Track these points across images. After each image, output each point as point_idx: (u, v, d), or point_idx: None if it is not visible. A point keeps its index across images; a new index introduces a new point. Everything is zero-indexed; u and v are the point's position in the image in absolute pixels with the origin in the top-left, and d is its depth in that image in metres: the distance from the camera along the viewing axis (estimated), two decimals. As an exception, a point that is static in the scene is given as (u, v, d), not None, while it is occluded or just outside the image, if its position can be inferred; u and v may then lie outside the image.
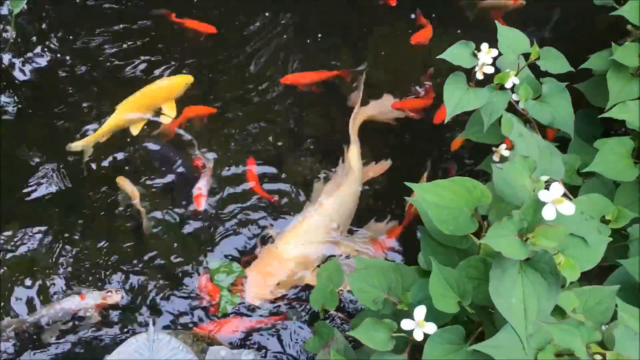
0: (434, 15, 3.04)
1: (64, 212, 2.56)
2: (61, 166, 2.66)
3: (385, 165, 2.67)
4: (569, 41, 2.73)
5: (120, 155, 2.71)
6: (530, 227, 1.27)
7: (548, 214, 1.24)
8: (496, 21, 2.03)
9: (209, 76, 2.90)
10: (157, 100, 2.80)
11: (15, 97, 2.85)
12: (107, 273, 2.41)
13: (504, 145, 2.01)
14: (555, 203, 1.23)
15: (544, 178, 1.30)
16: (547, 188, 1.27)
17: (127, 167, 2.68)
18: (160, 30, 3.03)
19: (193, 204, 2.52)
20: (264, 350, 2.23)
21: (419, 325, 1.38)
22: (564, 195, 1.25)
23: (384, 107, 2.81)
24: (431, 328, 1.38)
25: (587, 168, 1.81)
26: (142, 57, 2.96)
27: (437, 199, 1.43)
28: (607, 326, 1.39)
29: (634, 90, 2.00)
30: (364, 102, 2.79)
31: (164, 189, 2.63)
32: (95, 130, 2.72)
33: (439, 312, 1.43)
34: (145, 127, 2.77)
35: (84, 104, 2.84)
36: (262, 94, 2.88)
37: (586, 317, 1.38)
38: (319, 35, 3.04)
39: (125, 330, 2.28)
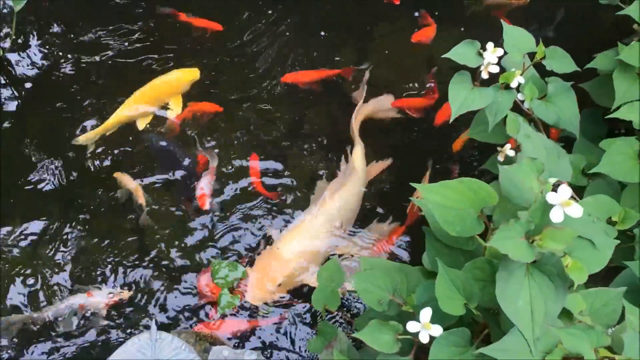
0: (437, 14, 3.03)
1: (64, 208, 2.56)
2: (62, 162, 2.66)
3: (385, 163, 2.66)
4: (572, 40, 2.72)
5: (122, 152, 2.70)
6: (537, 229, 1.26)
7: (556, 216, 1.23)
8: (502, 20, 2.01)
9: (211, 74, 2.89)
10: (164, 94, 2.79)
11: (16, 93, 2.85)
12: (108, 272, 2.39)
13: (508, 145, 1.99)
14: (564, 205, 1.22)
15: (552, 180, 1.29)
16: (554, 190, 1.26)
17: (128, 164, 2.67)
18: (162, 28, 3.02)
19: (197, 203, 2.50)
20: (268, 350, 2.22)
21: (424, 327, 1.37)
22: (572, 197, 1.24)
23: (382, 105, 2.79)
24: (437, 330, 1.37)
25: (594, 169, 1.80)
26: (144, 55, 2.96)
27: (443, 200, 1.42)
28: (613, 329, 1.38)
29: (640, 91, 1.99)
30: (364, 101, 2.78)
31: (166, 186, 2.62)
32: (96, 125, 2.72)
33: (445, 314, 1.42)
34: (148, 125, 2.76)
35: (84, 101, 2.83)
36: (264, 91, 2.87)
37: (593, 319, 1.37)
38: (322, 33, 3.03)
39: (128, 329, 2.27)
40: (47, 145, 2.71)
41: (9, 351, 2.21)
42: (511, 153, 1.98)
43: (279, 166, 2.67)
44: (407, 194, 2.56)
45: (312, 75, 2.88)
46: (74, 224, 2.51)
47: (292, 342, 2.25)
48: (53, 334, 2.26)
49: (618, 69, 2.02)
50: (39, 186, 2.61)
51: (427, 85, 2.85)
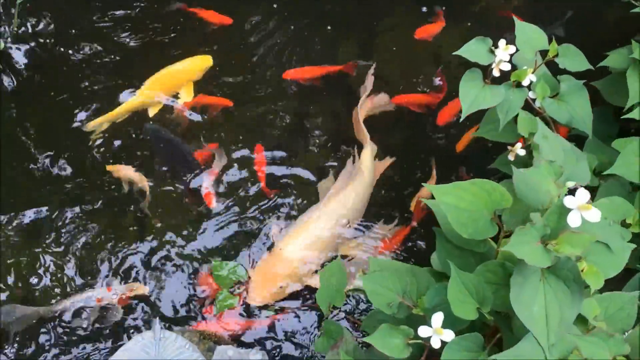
0: (443, 8, 2.99)
1: (63, 201, 2.52)
2: (63, 152, 2.63)
3: (387, 162, 2.62)
4: (577, 37, 2.69)
5: (124, 143, 2.67)
6: (553, 233, 1.23)
7: (573, 220, 1.20)
8: (514, 17, 1.98)
9: (215, 68, 2.85)
10: (177, 81, 2.76)
11: (17, 83, 2.81)
12: (111, 269, 2.36)
13: (519, 144, 1.97)
14: (581, 209, 1.19)
15: (570, 184, 1.26)
16: (570, 193, 1.23)
17: (131, 155, 2.64)
18: (169, 20, 2.98)
19: (204, 201, 2.47)
20: (274, 350, 2.20)
21: (436, 332, 1.34)
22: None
23: (378, 103, 2.75)
24: (449, 335, 1.34)
25: (609, 170, 1.76)
26: (149, 46, 2.92)
27: (456, 201, 1.39)
28: (627, 333, 1.36)
29: (654, 90, 1.95)
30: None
31: (169, 181, 2.58)
32: (102, 113, 2.69)
33: (456, 318, 1.39)
34: (156, 116, 2.73)
35: (85, 92, 2.80)
36: (268, 87, 2.83)
37: (607, 324, 1.34)
38: (328, 27, 2.99)
39: (131, 327, 2.24)
40: (48, 135, 2.69)
41: (8, 351, 2.19)
42: (522, 152, 1.96)
43: (281, 164, 2.63)
44: (410, 192, 2.55)
45: (314, 72, 2.84)
46: (72, 218, 2.48)
47: (298, 341, 2.22)
48: (60, 330, 2.23)
49: (632, 67, 1.99)
50: (39, 181, 2.58)
51: (436, 84, 2.80)
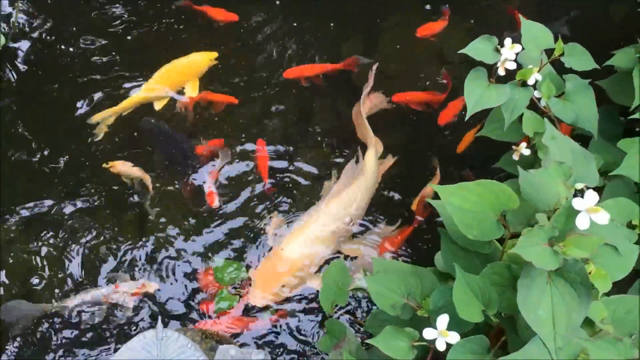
0: (447, 5, 2.97)
1: (64, 200, 2.51)
2: (64, 149, 2.63)
3: (389, 161, 2.61)
4: (584, 35, 2.67)
5: (125, 140, 2.66)
6: (561, 235, 1.22)
7: (582, 223, 1.18)
8: (520, 15, 1.96)
9: (217, 66, 2.83)
10: (182, 76, 2.76)
11: (17, 79, 2.80)
12: (113, 267, 2.35)
13: (524, 144, 1.95)
14: (590, 212, 1.18)
15: (580, 185, 1.24)
16: (577, 195, 1.22)
17: (130, 153, 2.62)
18: (171, 18, 2.97)
19: (206, 201, 2.46)
20: (277, 350, 2.19)
21: (441, 334, 1.33)
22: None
23: (374, 102, 2.73)
24: (454, 337, 1.33)
25: (615, 171, 1.75)
26: (151, 44, 2.91)
27: (461, 202, 1.38)
28: (634, 337, 1.34)
29: (661, 89, 1.94)
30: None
31: (169, 178, 2.57)
32: (105, 107, 2.69)
33: (461, 320, 1.38)
34: (158, 110, 2.72)
35: (86, 87, 2.79)
36: (270, 84, 2.82)
37: (615, 327, 1.33)
38: (332, 24, 2.97)
39: (133, 326, 2.23)
40: (49, 131, 2.69)
41: (9, 349, 2.18)
42: (526, 152, 1.94)
43: (283, 163, 2.61)
44: (411, 191, 2.53)
45: (314, 69, 2.82)
46: (73, 214, 2.47)
47: (300, 341, 2.21)
48: (63, 327, 2.21)
49: (638, 66, 1.97)
50: (40, 173, 2.57)
51: (441, 82, 2.79)
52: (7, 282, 2.31)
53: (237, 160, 2.60)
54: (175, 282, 2.33)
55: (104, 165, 2.53)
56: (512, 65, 1.84)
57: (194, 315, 2.26)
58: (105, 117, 2.67)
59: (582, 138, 2.01)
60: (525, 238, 1.20)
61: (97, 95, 2.76)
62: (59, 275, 2.33)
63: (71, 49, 2.89)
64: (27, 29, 2.94)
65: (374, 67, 2.75)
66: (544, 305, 1.23)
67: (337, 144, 2.67)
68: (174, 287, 2.32)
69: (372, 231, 2.45)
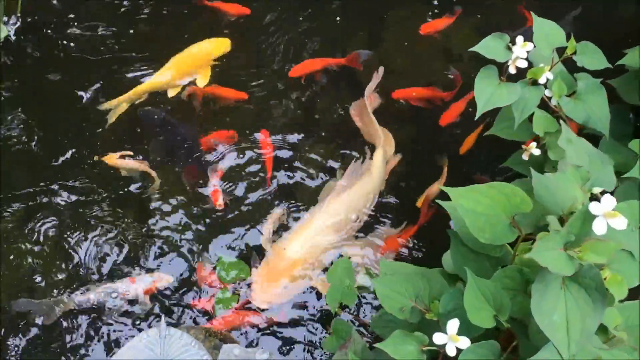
0: (459, 6, 2.93)
1: (65, 195, 2.49)
2: (69, 142, 2.61)
3: (394, 160, 2.57)
4: (593, 33, 2.63)
5: (125, 134, 2.64)
6: (577, 240, 1.19)
7: (599, 228, 1.15)
8: (531, 13, 1.92)
9: (222, 60, 2.80)
10: (194, 63, 2.73)
11: (20, 71, 2.78)
12: (115, 265, 2.32)
13: (534, 144, 1.92)
14: (607, 217, 1.15)
15: (597, 190, 1.22)
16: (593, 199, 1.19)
17: (133, 147, 2.60)
18: (180, 10, 2.94)
19: (210, 199, 2.43)
20: (282, 349, 2.16)
21: (451, 339, 1.30)
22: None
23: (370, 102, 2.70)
24: (464, 343, 1.30)
25: (628, 174, 1.72)
26: (158, 35, 2.89)
27: (473, 205, 1.35)
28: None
29: (673, 89, 1.91)
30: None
31: (174, 171, 2.54)
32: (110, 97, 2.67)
33: (471, 324, 1.35)
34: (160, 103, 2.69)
35: (93, 77, 2.78)
36: (275, 79, 2.78)
37: (629, 334, 1.30)
38: (337, 18, 2.94)
39: (137, 323, 2.20)
40: (52, 124, 2.66)
41: (12, 346, 2.15)
42: (536, 152, 1.92)
43: (288, 160, 2.58)
44: (416, 190, 2.50)
45: (317, 64, 2.78)
46: (73, 211, 2.44)
47: (304, 341, 2.19)
48: (66, 324, 2.19)
49: (650, 66, 1.94)
50: (42, 167, 2.55)
51: (450, 78, 2.75)
52: (8, 279, 2.28)
53: (241, 157, 2.57)
54: (179, 279, 2.30)
55: (102, 158, 2.51)
56: (523, 64, 1.81)
57: (198, 313, 2.23)
58: (116, 104, 2.63)
59: (591, 138, 1.98)
60: (541, 243, 1.18)
61: (103, 85, 2.74)
62: (61, 271, 2.30)
63: (77, 36, 2.87)
64: (32, 17, 2.90)
65: (381, 70, 2.70)
66: (558, 311, 1.20)
67: (343, 141, 2.64)
68: (178, 285, 2.29)
69: (375, 230, 2.42)
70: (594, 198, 1.31)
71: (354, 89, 2.74)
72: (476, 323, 1.31)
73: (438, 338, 1.31)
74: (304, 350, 2.17)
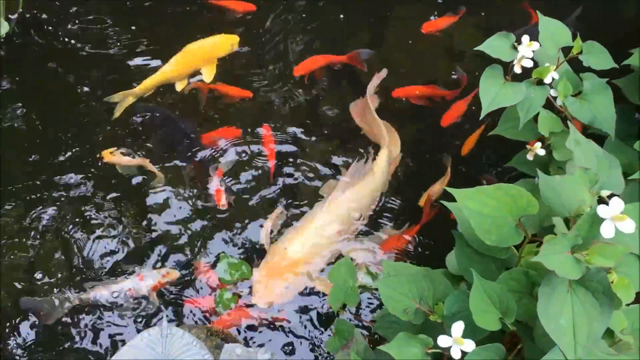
0: (464, 7, 2.91)
1: (66, 191, 2.47)
2: (70, 139, 2.59)
3: (396, 159, 2.56)
4: (596, 32, 2.62)
5: (131, 125, 2.63)
6: (584, 244, 1.18)
7: (607, 231, 1.14)
8: (538, 12, 1.91)
9: (226, 58, 2.78)
10: (201, 58, 2.72)
11: (23, 67, 2.77)
12: (117, 263, 2.31)
13: (539, 144, 1.91)
14: (615, 220, 1.14)
15: (605, 193, 1.20)
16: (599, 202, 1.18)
17: (135, 144, 2.59)
18: (180, 9, 2.93)
19: (213, 200, 2.42)
20: (284, 349, 2.15)
21: (456, 342, 1.29)
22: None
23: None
24: (470, 346, 1.29)
25: (634, 175, 1.70)
26: (156, 33, 2.87)
27: (479, 206, 1.34)
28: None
29: (679, 90, 1.89)
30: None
31: (177, 171, 2.53)
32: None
33: (476, 326, 1.34)
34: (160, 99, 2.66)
35: (95, 74, 2.77)
36: (278, 77, 2.77)
37: (634, 338, 1.29)
38: (341, 16, 2.92)
39: (138, 321, 2.19)
40: (55, 120, 2.65)
41: (13, 344, 2.14)
42: (541, 152, 1.90)
43: (290, 158, 2.57)
44: (418, 190, 2.48)
45: (319, 61, 2.76)
46: (73, 207, 2.43)
47: (306, 341, 2.18)
48: (66, 322, 2.18)
49: (656, 66, 1.93)
50: (43, 163, 2.54)
51: (455, 77, 2.73)
52: (7, 277, 2.27)
53: (244, 155, 2.56)
54: (181, 277, 2.29)
55: (103, 153, 2.49)
56: (529, 63, 1.80)
57: (199, 312, 2.22)
58: (124, 98, 2.62)
59: (595, 138, 1.97)
60: (548, 246, 1.16)
61: (104, 81, 2.74)
62: (62, 269, 2.29)
63: (78, 32, 2.85)
64: (34, 13, 2.89)
65: (383, 71, 2.68)
66: (564, 314, 1.19)
67: (346, 139, 2.62)
68: (179, 283, 2.28)
69: (377, 230, 2.40)
70: (601, 200, 1.30)
71: (356, 87, 2.73)
72: (482, 326, 1.29)
73: (443, 341, 1.30)
74: (306, 350, 2.16)
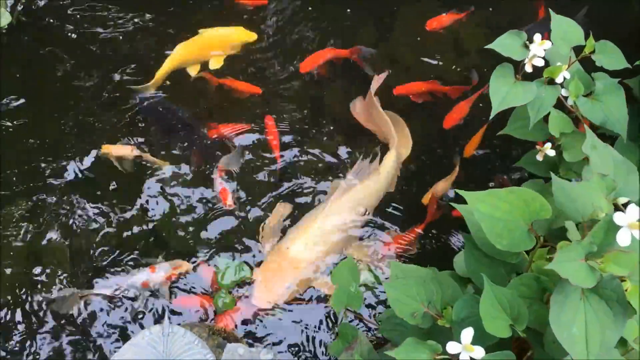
0: (472, 7, 2.87)
1: (66, 188, 2.45)
2: (72, 133, 2.57)
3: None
4: (602, 31, 2.59)
5: (131, 122, 2.60)
6: (599, 251, 1.15)
7: (623, 239, 1.11)
8: (550, 10, 1.87)
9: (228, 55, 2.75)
10: (217, 44, 2.70)
11: (25, 59, 2.74)
12: (118, 262, 2.28)
13: (549, 144, 1.88)
14: (632, 227, 1.11)
15: (623, 200, 1.17)
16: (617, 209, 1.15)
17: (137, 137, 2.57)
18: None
19: (219, 199, 2.39)
20: (288, 350, 2.13)
21: (466, 349, 1.26)
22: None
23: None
24: (479, 353, 1.26)
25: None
26: (159, 27, 2.84)
27: (491, 210, 1.31)
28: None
29: (691, 90, 1.86)
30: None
31: (180, 166, 2.50)
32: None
33: (485, 332, 1.32)
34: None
35: (89, 73, 2.73)
36: (284, 72, 2.74)
37: (647, 346, 1.27)
38: (348, 10, 2.88)
39: (139, 317, 2.17)
40: (57, 116, 2.63)
41: (14, 342, 2.12)
42: (551, 153, 1.88)
43: (293, 157, 2.54)
44: (422, 188, 2.46)
45: (322, 56, 2.73)
46: (74, 204, 2.41)
47: (310, 342, 2.15)
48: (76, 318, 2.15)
49: (668, 66, 1.89)
50: (45, 158, 2.52)
51: (468, 75, 2.69)
52: (8, 276, 2.24)
53: (247, 153, 2.53)
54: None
55: (103, 148, 2.47)
56: (540, 62, 1.76)
57: (201, 311, 2.19)
58: (151, 86, 2.61)
59: (603, 137, 1.94)
60: (562, 253, 1.14)
61: (104, 78, 2.71)
62: (63, 267, 2.27)
63: (80, 24, 2.83)
64: (34, 5, 2.85)
65: (384, 74, 2.65)
66: (577, 323, 1.17)
67: (350, 137, 2.59)
68: (181, 281, 2.25)
69: (381, 229, 2.37)
70: (616, 207, 1.27)
71: (362, 84, 2.69)
72: (492, 332, 1.27)
73: (452, 347, 1.27)
74: (308, 350, 2.13)
